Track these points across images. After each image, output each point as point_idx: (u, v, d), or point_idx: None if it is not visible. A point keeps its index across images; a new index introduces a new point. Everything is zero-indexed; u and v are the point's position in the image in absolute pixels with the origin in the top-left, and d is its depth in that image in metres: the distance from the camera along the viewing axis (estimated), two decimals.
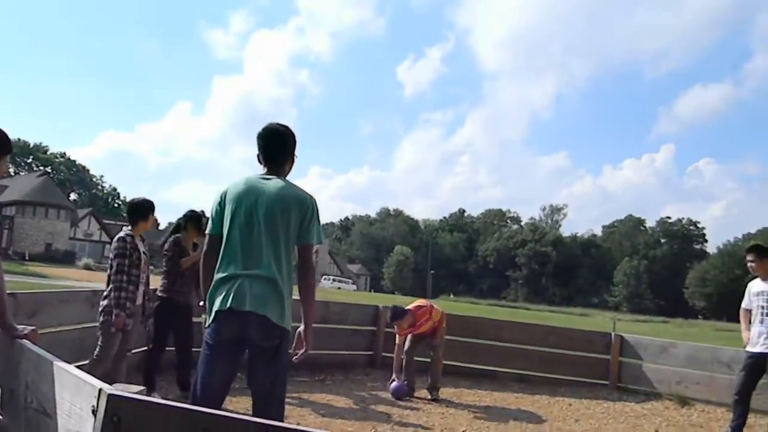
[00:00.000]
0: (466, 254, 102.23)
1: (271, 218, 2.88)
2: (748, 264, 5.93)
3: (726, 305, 70.69)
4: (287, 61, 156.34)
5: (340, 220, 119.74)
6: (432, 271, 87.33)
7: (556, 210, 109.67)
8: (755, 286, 5.88)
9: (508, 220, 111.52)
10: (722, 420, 6.73)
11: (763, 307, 5.71)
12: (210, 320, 2.85)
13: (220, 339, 2.79)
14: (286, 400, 5.83)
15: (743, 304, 5.98)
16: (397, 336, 6.98)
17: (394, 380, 6.80)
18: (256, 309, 2.75)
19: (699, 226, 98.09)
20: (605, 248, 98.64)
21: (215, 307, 2.81)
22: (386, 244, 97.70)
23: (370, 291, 74.81)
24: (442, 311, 7.14)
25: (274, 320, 2.77)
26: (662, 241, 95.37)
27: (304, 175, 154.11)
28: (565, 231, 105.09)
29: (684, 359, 7.94)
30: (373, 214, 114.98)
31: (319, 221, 3.03)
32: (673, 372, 7.93)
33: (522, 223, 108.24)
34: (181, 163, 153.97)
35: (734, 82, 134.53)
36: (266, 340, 2.77)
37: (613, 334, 8.67)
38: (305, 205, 2.97)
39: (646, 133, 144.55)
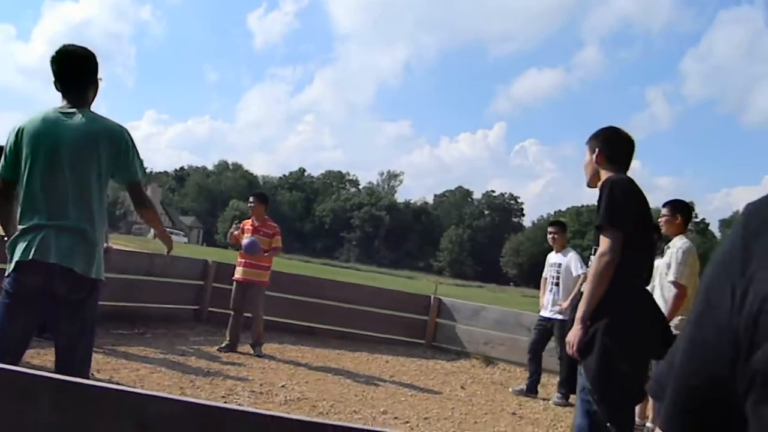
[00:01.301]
0: (304, 213, 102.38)
1: (78, 159, 2.63)
2: (549, 236, 6.67)
3: (534, 274, 77.23)
4: None
5: (175, 169, 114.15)
6: None
7: (393, 176, 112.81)
8: (551, 258, 6.64)
9: (347, 183, 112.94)
10: (521, 378, 7.46)
11: (554, 277, 6.47)
12: (10, 269, 2.65)
13: (20, 289, 2.60)
14: (101, 352, 5.64)
15: (544, 273, 6.69)
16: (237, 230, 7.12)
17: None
18: (61, 261, 2.56)
19: (519, 201, 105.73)
20: (435, 215, 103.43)
21: (16, 257, 2.60)
22: (222, 197, 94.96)
23: (202, 245, 72.56)
24: (279, 246, 7.13)
25: (81, 272, 2.61)
26: (486, 212, 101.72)
27: (139, 118, 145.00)
28: (400, 197, 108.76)
29: (492, 322, 8.68)
30: (210, 166, 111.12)
31: (137, 154, 2.80)
32: (481, 333, 8.64)
33: (360, 187, 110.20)
34: None
35: (565, 69, 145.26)
36: (72, 293, 2.62)
37: (432, 296, 9.24)
38: (117, 138, 2.72)
39: (483, 109, 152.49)
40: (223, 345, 6.79)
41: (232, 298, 6.95)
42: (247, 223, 7.09)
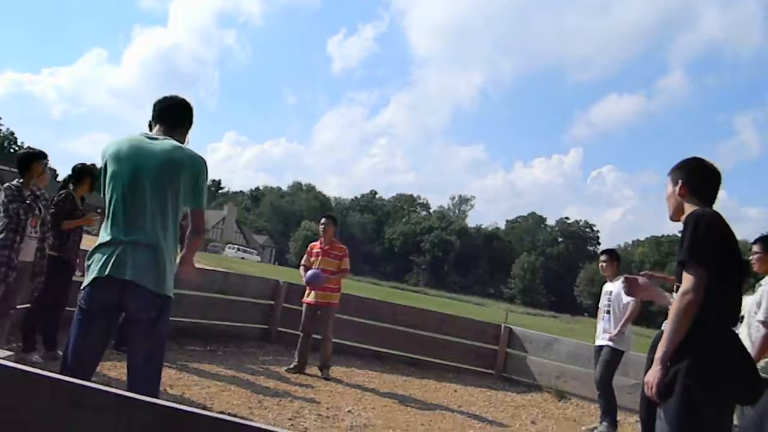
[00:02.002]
0: (374, 236, 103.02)
1: (159, 180, 2.75)
2: (600, 264, 6.57)
3: None
4: (215, 19, 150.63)
5: (251, 189, 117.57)
6: None
7: (464, 200, 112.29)
8: (606, 287, 6.52)
9: (418, 206, 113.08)
10: (594, 415, 7.14)
11: (606, 305, 6.35)
12: (86, 283, 2.73)
13: (94, 305, 2.68)
14: (174, 368, 5.76)
15: (599, 303, 6.59)
16: (305, 255, 7.16)
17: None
18: (136, 279, 2.64)
19: (594, 228, 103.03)
20: (506, 242, 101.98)
21: (93, 273, 2.68)
22: (295, 218, 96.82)
23: (274, 264, 74.08)
24: (348, 269, 7.13)
25: (154, 290, 2.68)
26: (559, 240, 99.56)
27: (219, 140, 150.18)
28: (471, 222, 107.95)
29: (565, 355, 8.38)
30: (285, 187, 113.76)
31: (206, 185, 2.97)
32: (554, 366, 8.34)
33: (431, 210, 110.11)
34: (89, 113, 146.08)
35: (647, 95, 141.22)
36: (144, 311, 2.68)
37: (503, 326, 9.02)
38: (198, 168, 2.86)
39: (559, 134, 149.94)
40: (292, 366, 6.82)
41: (303, 320, 6.98)
42: (316, 246, 7.13)
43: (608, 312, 6.33)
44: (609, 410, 6.15)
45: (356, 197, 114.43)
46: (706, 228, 2.67)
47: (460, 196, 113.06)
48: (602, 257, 6.61)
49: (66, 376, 2.62)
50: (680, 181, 2.89)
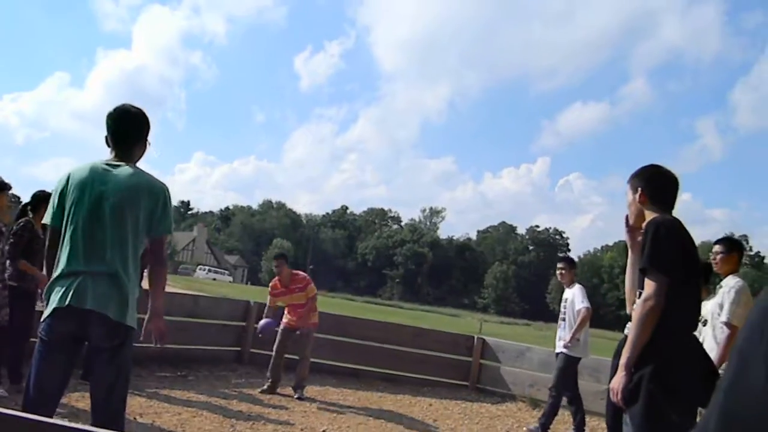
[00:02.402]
0: (346, 251, 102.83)
1: (119, 209, 2.71)
2: (558, 272, 6.69)
3: None
4: (180, 40, 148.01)
5: (221, 209, 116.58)
6: (311, 267, 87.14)
7: (435, 212, 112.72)
8: (564, 293, 6.64)
9: (389, 220, 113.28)
10: (568, 423, 7.21)
11: (562, 312, 6.49)
12: (46, 315, 2.69)
13: (55, 336, 2.63)
14: (144, 396, 5.67)
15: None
16: (268, 296, 7.17)
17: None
18: (97, 308, 2.60)
19: (564, 235, 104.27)
20: (478, 252, 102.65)
21: (53, 304, 2.64)
22: (266, 236, 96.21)
23: (246, 283, 73.38)
24: (315, 293, 7.17)
25: (116, 319, 2.64)
26: (530, 248, 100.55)
27: (188, 160, 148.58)
28: (443, 233, 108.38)
29: (537, 363, 8.43)
30: (255, 206, 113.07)
31: (170, 210, 2.91)
32: (527, 375, 8.40)
33: (402, 224, 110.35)
34: (52, 138, 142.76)
35: (611, 102, 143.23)
36: (107, 340, 2.64)
37: (476, 337, 9.06)
38: (156, 195, 2.82)
39: (528, 144, 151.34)
40: (265, 387, 6.77)
41: (278, 340, 6.96)
42: (278, 286, 7.13)
43: (563, 319, 6.46)
44: (551, 413, 6.42)
45: (327, 213, 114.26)
46: (666, 235, 2.73)
47: (431, 208, 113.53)
48: (559, 264, 6.74)
49: (28, 408, 2.60)
50: (639, 189, 2.96)
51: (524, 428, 6.63)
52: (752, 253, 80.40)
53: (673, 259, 2.70)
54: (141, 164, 2.98)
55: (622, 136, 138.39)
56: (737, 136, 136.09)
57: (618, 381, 2.71)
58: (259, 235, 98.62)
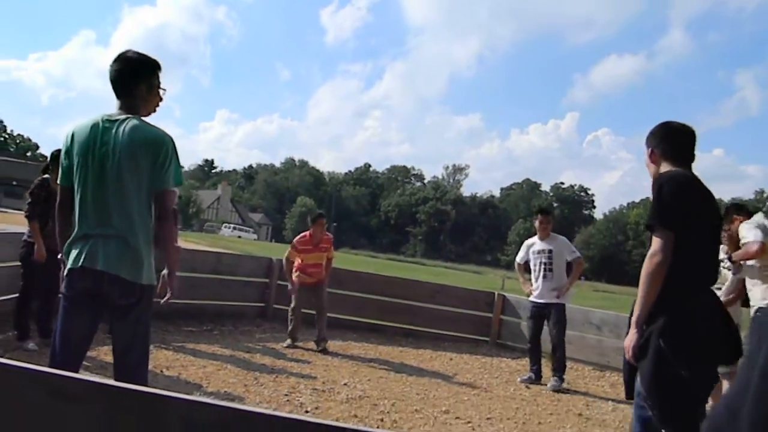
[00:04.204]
0: (369, 209, 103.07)
1: (120, 169, 2.66)
2: (539, 224, 6.84)
3: (606, 268, 75.51)
4: None
5: (244, 168, 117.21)
6: (335, 224, 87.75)
7: (458, 170, 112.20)
8: (538, 245, 6.76)
9: (412, 177, 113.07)
10: (588, 377, 7.28)
11: (546, 264, 6.60)
12: (64, 274, 2.74)
13: (75, 292, 2.69)
14: (171, 349, 5.82)
15: (519, 259, 6.95)
16: (291, 250, 7.19)
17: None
18: (109, 269, 2.63)
19: (589, 192, 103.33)
20: (502, 209, 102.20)
21: (69, 264, 2.69)
22: (290, 194, 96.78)
23: (271, 241, 74.10)
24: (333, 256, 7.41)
25: (131, 279, 2.66)
26: (555, 205, 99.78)
27: (211, 119, 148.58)
28: (466, 191, 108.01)
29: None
30: (278, 164, 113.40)
31: (177, 162, 2.78)
32: (547, 331, 8.41)
33: (425, 181, 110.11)
34: (78, 97, 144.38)
35: (648, 55, 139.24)
36: (122, 298, 2.67)
37: (496, 293, 9.10)
38: (158, 147, 2.70)
39: (557, 100, 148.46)
40: (285, 345, 6.92)
41: (296, 301, 7.09)
42: (309, 242, 7.17)
43: (551, 270, 6.59)
44: (564, 365, 6.63)
45: (350, 171, 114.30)
46: (670, 190, 2.69)
47: (454, 165, 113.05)
48: (545, 217, 6.87)
49: (55, 360, 2.68)
50: (651, 149, 2.94)
51: (518, 378, 6.78)
52: None
53: (677, 214, 2.66)
54: (163, 122, 2.89)
55: (656, 90, 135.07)
56: None
57: (630, 339, 2.72)
58: (282, 193, 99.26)
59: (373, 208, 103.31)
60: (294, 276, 7.13)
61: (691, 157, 2.92)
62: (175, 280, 2.93)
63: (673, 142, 2.91)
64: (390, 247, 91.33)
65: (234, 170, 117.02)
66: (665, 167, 2.87)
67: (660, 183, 2.74)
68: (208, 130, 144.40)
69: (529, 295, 6.87)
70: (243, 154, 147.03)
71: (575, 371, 7.57)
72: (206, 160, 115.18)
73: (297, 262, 7.18)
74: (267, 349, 6.63)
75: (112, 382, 1.53)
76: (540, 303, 6.67)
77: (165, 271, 2.93)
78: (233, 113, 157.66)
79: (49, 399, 1.42)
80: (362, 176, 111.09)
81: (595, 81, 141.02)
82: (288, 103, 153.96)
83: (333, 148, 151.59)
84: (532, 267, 6.77)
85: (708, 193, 2.80)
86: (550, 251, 6.63)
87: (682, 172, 2.81)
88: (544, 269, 6.62)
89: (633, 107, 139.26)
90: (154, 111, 2.92)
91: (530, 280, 6.81)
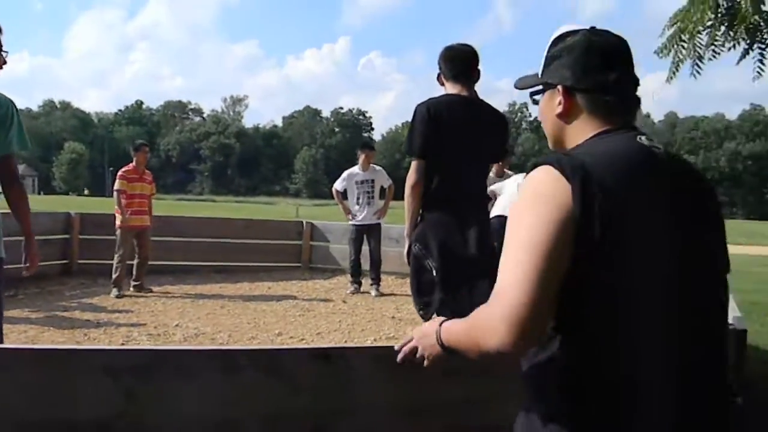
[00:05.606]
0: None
1: None
2: (363, 157, 7.79)
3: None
4: None
5: None
6: (111, 168, 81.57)
7: (237, 101, 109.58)
8: (359, 175, 7.73)
9: (190, 112, 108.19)
10: (392, 285, 8.14)
11: (368, 192, 7.65)
12: None
13: None
14: None
15: (339, 187, 7.88)
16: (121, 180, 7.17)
17: None
18: None
19: (367, 115, 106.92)
20: (286, 138, 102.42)
21: None
22: (55, 140, 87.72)
23: (39, 193, 67.23)
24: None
25: None
26: (336, 130, 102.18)
27: None
28: (248, 122, 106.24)
29: None
30: (35, 108, 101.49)
31: (20, 126, 2.74)
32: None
33: (204, 115, 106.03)
34: None
35: None
36: None
37: (304, 222, 9.63)
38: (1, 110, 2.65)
39: (330, 22, 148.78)
40: (114, 295, 6.89)
41: (124, 246, 7.03)
42: (133, 172, 7.29)
43: (372, 197, 7.65)
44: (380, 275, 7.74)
45: (120, 110, 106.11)
46: (420, 119, 3.07)
47: (232, 96, 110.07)
48: (367, 150, 7.93)
49: None
50: (438, 72, 3.28)
51: (347, 291, 7.70)
52: (531, 119, 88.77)
53: (425, 141, 3.05)
54: None
55: (423, 10, 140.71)
56: (525, 8, 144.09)
57: (406, 249, 3.30)
58: (45, 140, 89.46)
59: (151, 148, 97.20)
60: (119, 221, 7.05)
61: (471, 77, 3.23)
62: (35, 246, 2.93)
63: (450, 64, 3.20)
64: (175, 187, 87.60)
65: None
66: (449, 88, 3.22)
67: (413, 113, 3.12)
68: None
69: (350, 220, 7.76)
70: None
71: (382, 281, 8.42)
72: None
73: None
74: (84, 305, 6.51)
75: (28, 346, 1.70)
76: (363, 225, 7.62)
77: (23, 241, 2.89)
78: None
79: None
80: (135, 115, 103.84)
81: (364, 3, 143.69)
82: (40, 38, 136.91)
83: (98, 86, 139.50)
84: (355, 195, 7.63)
85: (461, 117, 3.11)
86: (372, 181, 7.67)
87: (436, 100, 3.16)
88: (368, 197, 7.62)
89: (400, 29, 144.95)
90: None
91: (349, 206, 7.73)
